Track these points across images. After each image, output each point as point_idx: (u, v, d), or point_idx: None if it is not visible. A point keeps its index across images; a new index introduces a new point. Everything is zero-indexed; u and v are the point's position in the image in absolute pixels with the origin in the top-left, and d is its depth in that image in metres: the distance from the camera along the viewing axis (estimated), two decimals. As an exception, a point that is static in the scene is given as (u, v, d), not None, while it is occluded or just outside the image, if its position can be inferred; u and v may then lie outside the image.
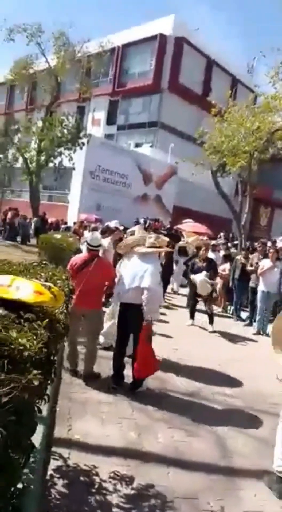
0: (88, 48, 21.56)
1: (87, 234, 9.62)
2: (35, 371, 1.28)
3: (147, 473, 3.07)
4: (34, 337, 1.47)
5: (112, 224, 9.27)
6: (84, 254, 4.97)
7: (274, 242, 10.25)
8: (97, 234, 5.42)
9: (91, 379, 4.61)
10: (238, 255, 9.73)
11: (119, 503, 2.71)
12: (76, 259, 4.88)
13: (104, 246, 6.43)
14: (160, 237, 4.95)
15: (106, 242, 7.18)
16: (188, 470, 3.20)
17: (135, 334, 4.51)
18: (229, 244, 12.46)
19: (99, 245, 4.98)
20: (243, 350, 6.96)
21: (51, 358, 1.70)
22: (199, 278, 7.68)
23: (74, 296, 4.20)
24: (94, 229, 8.08)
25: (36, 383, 1.26)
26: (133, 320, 4.46)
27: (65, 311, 1.89)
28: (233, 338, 7.60)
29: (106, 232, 8.48)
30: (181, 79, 29.57)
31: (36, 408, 1.61)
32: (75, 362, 4.78)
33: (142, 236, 4.91)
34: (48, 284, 2.06)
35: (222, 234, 16.04)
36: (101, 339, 5.34)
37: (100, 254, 5.40)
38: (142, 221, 16.89)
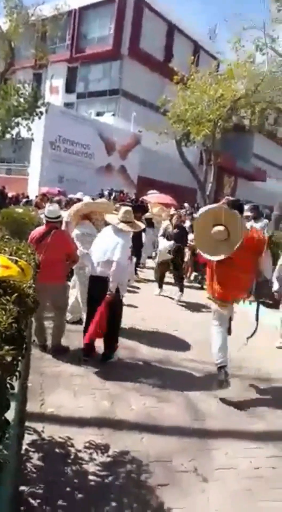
0: (42, 11, 20.42)
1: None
2: (7, 347, 1.23)
3: (121, 440, 3.12)
4: (4, 312, 1.41)
5: (78, 195, 9.05)
6: (43, 227, 4.85)
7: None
8: (55, 205, 5.20)
9: (60, 352, 4.61)
10: None
11: (95, 471, 2.76)
12: (35, 232, 4.77)
13: (66, 218, 6.26)
14: (131, 211, 4.86)
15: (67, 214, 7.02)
16: (161, 435, 3.29)
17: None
18: (195, 215, 12.50)
19: (58, 217, 4.79)
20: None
21: (22, 333, 1.64)
22: (162, 245, 7.86)
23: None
24: (58, 202, 7.86)
25: (8, 359, 1.21)
26: (103, 293, 4.44)
27: (33, 285, 1.82)
28: (200, 307, 7.75)
29: (68, 204, 8.28)
30: (141, 44, 28.73)
31: (8, 385, 1.57)
32: (43, 337, 4.74)
33: (102, 203, 4.81)
34: (14, 258, 1.98)
35: (186, 204, 16.10)
36: (68, 315, 5.31)
37: (63, 226, 5.28)
38: (106, 192, 16.66)
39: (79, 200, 8.27)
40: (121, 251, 4.40)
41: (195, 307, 7.62)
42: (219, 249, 3.87)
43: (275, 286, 6.01)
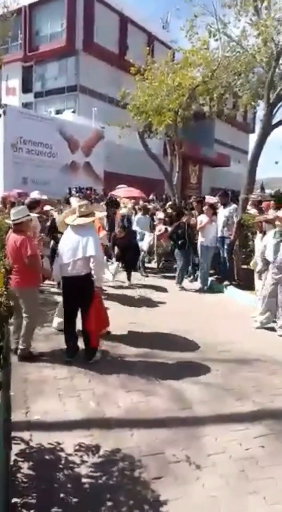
0: (-10, 10, 19.76)
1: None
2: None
3: (112, 439, 3.10)
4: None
5: (34, 195, 8.84)
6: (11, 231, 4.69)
7: (203, 198, 10.56)
8: (19, 208, 4.91)
9: (27, 360, 4.43)
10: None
11: (88, 473, 2.72)
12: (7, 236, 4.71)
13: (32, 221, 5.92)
14: (87, 203, 4.85)
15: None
16: (150, 428, 3.28)
17: (83, 304, 4.49)
18: (167, 205, 12.57)
19: (19, 219, 4.50)
20: (188, 305, 7.16)
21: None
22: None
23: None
24: (23, 204, 7.67)
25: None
26: (80, 291, 4.42)
27: (5, 292, 1.76)
28: (176, 295, 7.80)
29: (35, 206, 7.94)
30: (95, 39, 28.36)
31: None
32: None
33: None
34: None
35: (152, 196, 16.11)
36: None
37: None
38: (74, 191, 16.46)
39: (35, 200, 7.97)
40: (94, 245, 4.37)
41: (174, 296, 7.65)
42: None
43: (258, 267, 6.10)
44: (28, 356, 4.48)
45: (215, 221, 8.22)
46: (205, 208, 8.55)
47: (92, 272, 4.37)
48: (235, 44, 11.12)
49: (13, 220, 4.52)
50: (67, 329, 4.64)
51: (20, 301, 4.45)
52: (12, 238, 4.49)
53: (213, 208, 8.48)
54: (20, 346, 4.49)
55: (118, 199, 11.97)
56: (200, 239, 8.36)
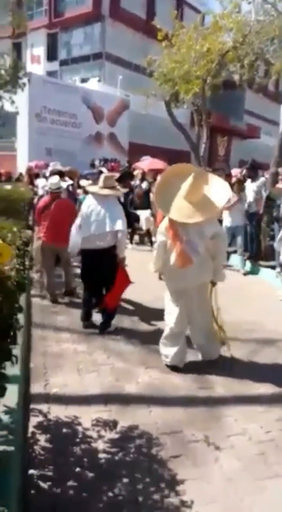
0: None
1: (38, 182, 9.16)
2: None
3: (129, 415, 3.07)
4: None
5: (55, 166, 8.87)
6: (47, 197, 5.66)
7: (229, 175, 9.86)
8: (57, 177, 5.79)
9: (72, 294, 5.61)
10: None
11: (105, 448, 2.70)
12: (40, 202, 5.68)
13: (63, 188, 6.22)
14: (111, 176, 4.79)
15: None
16: (169, 406, 3.23)
17: (107, 276, 4.46)
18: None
19: (59, 188, 5.52)
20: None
21: (8, 319, 1.51)
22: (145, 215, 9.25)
23: (42, 235, 5.37)
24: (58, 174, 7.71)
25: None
26: (105, 263, 4.41)
27: (17, 266, 1.67)
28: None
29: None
30: (122, 3, 27.39)
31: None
32: (54, 293, 5.48)
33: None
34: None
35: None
36: None
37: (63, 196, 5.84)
38: (96, 162, 16.24)
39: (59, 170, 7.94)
40: (123, 219, 4.37)
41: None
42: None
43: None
44: (72, 291, 5.62)
45: (243, 198, 7.73)
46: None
47: (117, 244, 4.41)
48: (270, 7, 10.47)
49: (54, 189, 5.43)
50: (87, 297, 4.73)
51: (61, 254, 5.50)
52: (62, 203, 5.43)
53: (241, 183, 7.93)
54: (67, 286, 5.67)
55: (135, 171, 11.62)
56: (227, 220, 7.69)
